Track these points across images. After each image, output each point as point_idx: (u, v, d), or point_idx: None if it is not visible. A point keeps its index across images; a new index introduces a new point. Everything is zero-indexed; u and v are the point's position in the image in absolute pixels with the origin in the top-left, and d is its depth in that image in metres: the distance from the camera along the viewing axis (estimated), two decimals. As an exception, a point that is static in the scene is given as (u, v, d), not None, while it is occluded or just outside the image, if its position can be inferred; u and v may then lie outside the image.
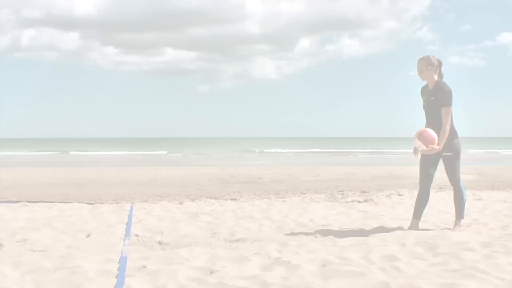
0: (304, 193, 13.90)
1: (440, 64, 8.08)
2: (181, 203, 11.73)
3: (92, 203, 11.86)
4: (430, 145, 7.72)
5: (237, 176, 21.37)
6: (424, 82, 8.18)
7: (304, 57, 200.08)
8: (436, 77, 8.01)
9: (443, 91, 7.89)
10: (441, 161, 8.05)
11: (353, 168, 26.38)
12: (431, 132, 7.77)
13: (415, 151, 8.23)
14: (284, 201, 12.24)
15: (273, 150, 67.85)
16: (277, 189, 15.43)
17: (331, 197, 12.84)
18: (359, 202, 11.72)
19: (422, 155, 8.06)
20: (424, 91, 8.19)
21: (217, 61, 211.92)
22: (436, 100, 7.89)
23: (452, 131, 7.96)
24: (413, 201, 8.32)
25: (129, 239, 7.28)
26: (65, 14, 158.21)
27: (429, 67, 7.98)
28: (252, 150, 70.02)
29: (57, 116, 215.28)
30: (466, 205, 8.34)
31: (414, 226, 8.10)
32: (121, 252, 6.47)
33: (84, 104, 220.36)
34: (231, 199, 12.64)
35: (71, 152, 65.97)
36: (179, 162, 41.16)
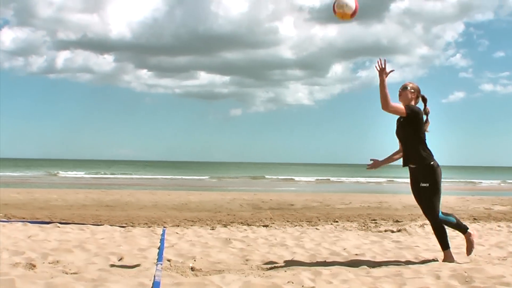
0: (337, 221, 13.80)
1: (424, 100, 7.93)
2: (213, 229, 11.69)
3: (124, 226, 11.88)
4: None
5: (269, 202, 21.31)
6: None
7: (337, 83, 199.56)
8: (412, 103, 7.84)
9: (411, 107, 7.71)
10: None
11: (385, 197, 26.22)
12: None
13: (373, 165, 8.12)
14: (316, 228, 12.15)
15: (304, 176, 67.62)
16: (309, 216, 15.34)
17: (363, 226, 12.73)
18: (392, 231, 11.58)
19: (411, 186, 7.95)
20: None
21: (250, 85, 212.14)
22: (404, 118, 7.74)
23: (427, 156, 7.74)
24: (447, 232, 8.13)
25: (161, 264, 7.24)
26: (100, 37, 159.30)
27: (412, 91, 7.83)
28: (283, 175, 69.82)
29: (91, 137, 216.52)
30: (502, 238, 8.17)
31: (448, 257, 7.96)
32: (154, 277, 6.43)
33: (116, 126, 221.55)
34: (263, 226, 12.57)
35: (102, 174, 66.32)
36: (210, 187, 41.17)
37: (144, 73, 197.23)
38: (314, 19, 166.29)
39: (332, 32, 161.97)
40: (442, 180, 7.71)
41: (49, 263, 7.40)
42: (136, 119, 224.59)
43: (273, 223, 13.19)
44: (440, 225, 7.82)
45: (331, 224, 13.23)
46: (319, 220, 14.29)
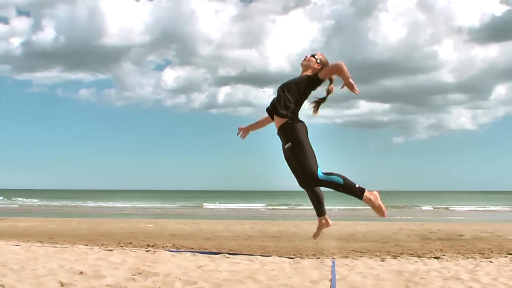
0: (511, 254, 13.18)
1: (331, 80, 7.41)
2: (383, 260, 11.41)
3: (292, 257, 11.80)
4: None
5: (437, 232, 20.75)
6: None
7: (501, 105, 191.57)
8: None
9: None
10: None
11: (561, 227, 24.98)
12: None
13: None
14: (490, 261, 11.61)
15: (471, 206, 65.66)
16: (481, 248, 14.78)
17: (542, 259, 12.06)
18: None
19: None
20: None
21: (411, 112, 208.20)
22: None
23: (289, 115, 7.11)
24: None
25: (334, 297, 7.10)
26: (259, 71, 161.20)
27: (319, 62, 7.29)
28: (449, 204, 68.09)
29: (252, 169, 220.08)
30: None
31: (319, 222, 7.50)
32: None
33: (278, 157, 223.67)
34: (434, 257, 12.18)
35: (265, 206, 66.85)
36: (375, 217, 40.59)
37: (303, 104, 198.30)
38: (474, 39, 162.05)
39: (493, 52, 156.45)
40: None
41: (222, 294, 7.43)
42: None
43: (444, 255, 12.77)
44: (332, 183, 6.94)
45: (505, 256, 12.62)
46: (491, 252, 13.73)
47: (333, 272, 9.37)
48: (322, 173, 6.92)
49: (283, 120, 7.18)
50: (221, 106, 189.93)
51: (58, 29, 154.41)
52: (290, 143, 7.00)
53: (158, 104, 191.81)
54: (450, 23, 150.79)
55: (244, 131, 7.92)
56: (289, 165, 7.36)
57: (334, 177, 6.90)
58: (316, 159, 7.02)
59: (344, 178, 6.89)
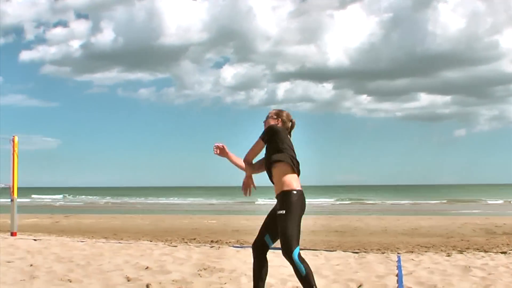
0: None
1: (292, 125, 6.94)
2: (449, 255, 11.22)
3: (357, 252, 11.70)
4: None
5: (503, 226, 20.40)
6: None
7: None
8: None
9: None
10: None
11: None
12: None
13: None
14: (558, 256, 11.36)
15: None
16: (549, 243, 14.48)
17: None
18: None
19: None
20: None
21: (473, 104, 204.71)
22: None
23: (287, 184, 6.60)
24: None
25: (402, 292, 7.00)
26: (318, 66, 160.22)
27: (275, 117, 6.84)
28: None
29: (312, 163, 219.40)
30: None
31: None
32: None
33: (339, 152, 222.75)
34: (501, 252, 11.94)
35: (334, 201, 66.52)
36: (439, 211, 40.22)
37: (364, 98, 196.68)
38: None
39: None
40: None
41: (288, 289, 7.39)
42: (358, 144, 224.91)
43: (511, 250, 12.52)
44: (296, 269, 6.47)
45: None
46: (561, 246, 13.43)
47: (399, 267, 9.25)
48: (298, 255, 6.55)
49: (283, 187, 6.79)
50: (281, 102, 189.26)
51: (116, 30, 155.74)
52: (283, 211, 6.69)
53: (218, 101, 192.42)
54: (510, 12, 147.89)
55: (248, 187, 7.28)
56: (271, 222, 6.98)
57: (303, 267, 6.54)
58: (299, 237, 6.68)
59: (308, 274, 6.54)
